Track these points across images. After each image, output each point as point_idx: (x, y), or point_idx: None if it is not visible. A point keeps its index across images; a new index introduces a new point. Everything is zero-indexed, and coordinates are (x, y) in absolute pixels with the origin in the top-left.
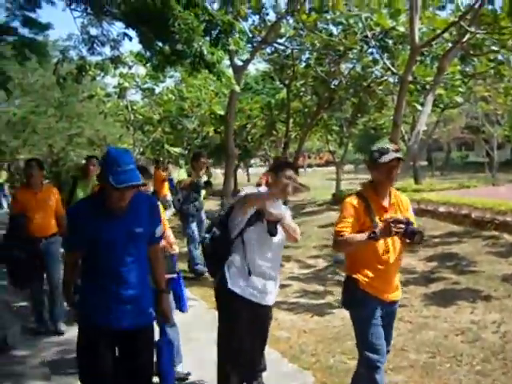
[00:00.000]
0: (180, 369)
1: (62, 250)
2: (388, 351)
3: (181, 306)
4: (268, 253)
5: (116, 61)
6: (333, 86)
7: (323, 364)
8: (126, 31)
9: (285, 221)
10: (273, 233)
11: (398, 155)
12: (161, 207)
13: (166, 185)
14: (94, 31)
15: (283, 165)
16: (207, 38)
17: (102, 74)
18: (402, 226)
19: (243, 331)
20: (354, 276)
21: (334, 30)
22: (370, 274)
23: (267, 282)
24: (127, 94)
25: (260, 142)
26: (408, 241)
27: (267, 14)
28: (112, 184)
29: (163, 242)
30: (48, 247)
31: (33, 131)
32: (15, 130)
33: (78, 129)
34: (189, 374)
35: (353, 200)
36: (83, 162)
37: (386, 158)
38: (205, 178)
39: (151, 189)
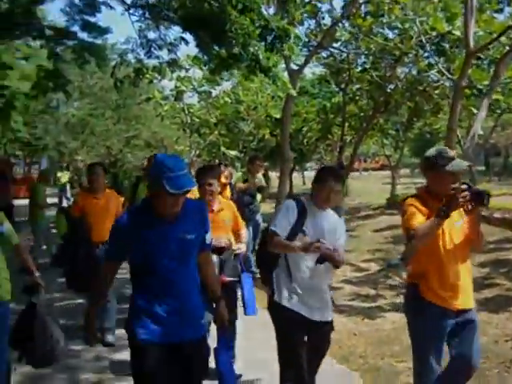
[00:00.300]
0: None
1: None
2: (471, 367)
3: (245, 309)
4: (316, 269)
5: (173, 64)
6: (389, 90)
7: (372, 366)
8: (183, 35)
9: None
10: (320, 262)
11: (469, 163)
12: (234, 206)
13: (228, 188)
14: (151, 35)
15: (325, 174)
16: (262, 43)
17: (159, 78)
18: (466, 192)
19: (296, 343)
20: (415, 282)
21: (390, 35)
22: (431, 280)
23: (317, 297)
24: (184, 97)
25: (316, 145)
26: (475, 205)
27: (323, 18)
28: (168, 190)
29: (231, 240)
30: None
31: (91, 133)
32: (74, 131)
33: (135, 131)
34: (240, 375)
35: (413, 201)
36: (142, 163)
37: (455, 167)
38: (262, 181)
39: (218, 189)
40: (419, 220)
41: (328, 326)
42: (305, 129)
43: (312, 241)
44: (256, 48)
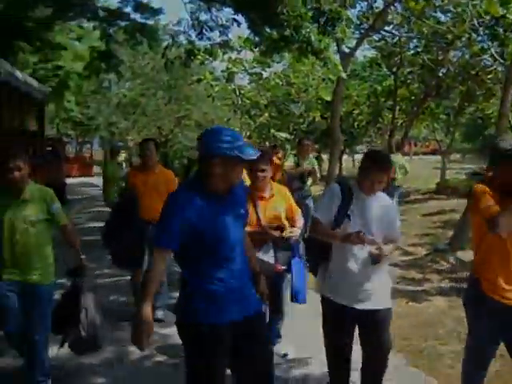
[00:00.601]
0: (278, 348)
1: None
2: None
3: (293, 296)
4: (362, 257)
5: (224, 46)
6: (440, 74)
7: (415, 348)
8: (235, 17)
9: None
10: (374, 263)
11: None
12: (287, 190)
13: (280, 170)
14: (203, 16)
15: (369, 163)
16: (314, 26)
17: (211, 59)
18: None
19: (337, 335)
20: (477, 275)
21: (443, 18)
22: (494, 272)
23: (365, 285)
24: (235, 79)
25: (366, 128)
26: None
27: (375, 1)
28: (243, 157)
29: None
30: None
31: (142, 113)
32: (125, 111)
33: (186, 111)
34: (286, 355)
35: (484, 188)
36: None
37: None
38: (314, 164)
39: (270, 175)
40: (496, 207)
41: (380, 314)
42: (355, 112)
43: (352, 232)
44: (308, 30)
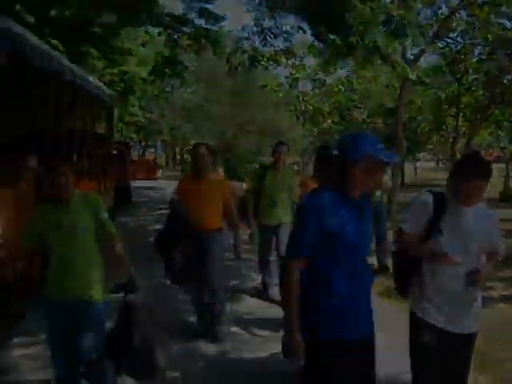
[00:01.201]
0: None
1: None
2: None
3: None
4: (457, 271)
5: (288, 52)
6: (505, 81)
7: (476, 353)
8: (300, 24)
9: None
10: (470, 285)
11: None
12: None
13: None
14: (267, 23)
15: (470, 170)
16: (382, 30)
17: (274, 66)
18: None
19: (426, 359)
20: None
21: (508, 24)
22: None
23: (460, 305)
24: (298, 85)
25: (428, 135)
26: None
27: (439, 8)
28: (386, 160)
29: None
30: (208, 243)
31: (206, 118)
32: (189, 115)
33: (249, 117)
34: None
35: None
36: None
37: None
38: None
39: None
40: None
41: (472, 337)
42: (418, 118)
43: (440, 252)
44: (374, 36)
